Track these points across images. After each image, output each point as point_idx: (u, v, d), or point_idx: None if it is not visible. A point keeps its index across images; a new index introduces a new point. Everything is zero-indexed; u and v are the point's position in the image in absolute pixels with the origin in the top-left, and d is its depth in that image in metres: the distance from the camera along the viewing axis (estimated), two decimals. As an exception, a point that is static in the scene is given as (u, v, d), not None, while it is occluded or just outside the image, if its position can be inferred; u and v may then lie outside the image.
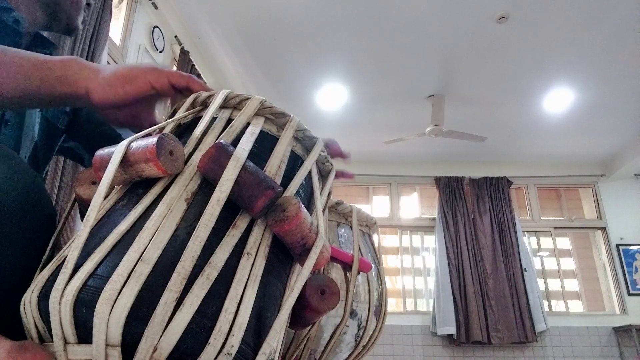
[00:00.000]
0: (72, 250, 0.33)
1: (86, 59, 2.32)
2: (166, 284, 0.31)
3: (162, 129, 0.44)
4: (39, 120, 0.79)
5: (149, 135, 0.39)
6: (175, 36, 3.53)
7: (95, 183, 0.44)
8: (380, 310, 0.76)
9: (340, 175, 0.82)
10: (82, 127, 0.88)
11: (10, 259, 0.39)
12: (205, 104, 0.47)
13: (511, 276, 4.89)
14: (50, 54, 0.85)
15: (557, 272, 5.23)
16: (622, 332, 4.73)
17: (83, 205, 0.45)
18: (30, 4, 0.79)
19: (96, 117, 0.89)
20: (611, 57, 3.69)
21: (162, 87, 0.52)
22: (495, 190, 5.35)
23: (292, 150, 0.45)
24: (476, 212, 5.25)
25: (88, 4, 0.88)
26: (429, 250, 5.40)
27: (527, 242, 5.28)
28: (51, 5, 0.81)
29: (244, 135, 0.42)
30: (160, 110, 0.60)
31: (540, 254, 5.35)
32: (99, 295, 0.30)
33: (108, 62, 2.82)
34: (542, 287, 5.06)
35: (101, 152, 0.39)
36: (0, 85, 0.47)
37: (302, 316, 0.43)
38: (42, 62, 0.50)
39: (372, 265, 0.73)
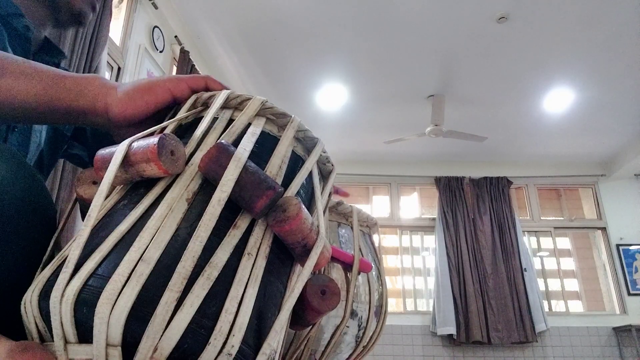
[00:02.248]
0: (73, 250, 0.33)
1: (86, 59, 2.33)
2: (167, 283, 0.31)
3: (163, 129, 0.44)
4: (45, 126, 0.79)
5: (150, 135, 0.39)
6: (175, 36, 3.54)
7: (96, 183, 0.44)
8: (380, 311, 0.76)
9: (335, 191, 0.82)
10: (88, 131, 0.87)
11: (11, 259, 0.39)
12: (206, 105, 0.47)
13: (511, 276, 4.89)
14: (59, 62, 0.84)
15: (557, 272, 5.23)
16: (622, 332, 4.73)
17: (84, 205, 0.45)
18: (32, 3, 0.76)
19: None
20: (611, 57, 3.69)
21: (182, 93, 0.50)
22: (495, 190, 5.36)
23: (293, 151, 0.45)
24: (476, 212, 5.25)
25: (93, 6, 0.84)
26: (429, 250, 5.40)
27: (527, 242, 5.28)
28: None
29: (245, 136, 0.42)
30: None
31: (540, 254, 5.35)
32: (100, 295, 0.30)
33: (108, 62, 2.82)
34: (542, 287, 5.06)
35: (102, 151, 0.39)
36: (19, 96, 0.46)
37: (302, 316, 0.43)
38: (63, 75, 0.49)
39: (373, 265, 0.73)
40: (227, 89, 0.52)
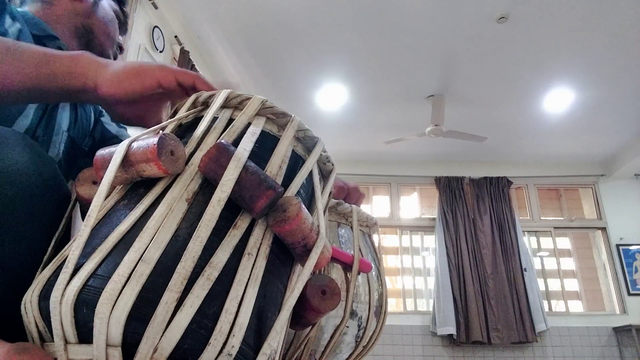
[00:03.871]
0: (73, 250, 0.33)
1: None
2: (167, 284, 0.31)
3: (163, 128, 0.44)
4: (64, 140, 0.81)
5: (150, 135, 0.39)
6: (175, 36, 3.53)
7: (96, 183, 0.44)
8: (380, 311, 0.76)
9: (355, 193, 0.83)
10: (97, 144, 0.89)
11: (35, 238, 0.41)
12: (206, 104, 0.47)
13: (511, 276, 4.89)
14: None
15: (557, 272, 5.23)
16: (622, 332, 4.73)
17: (84, 205, 0.45)
18: (68, 33, 0.82)
19: (108, 133, 0.91)
20: (611, 57, 3.69)
21: (169, 84, 0.52)
22: (495, 190, 5.36)
23: (293, 151, 0.45)
24: (476, 212, 5.25)
25: (119, 46, 0.91)
26: (429, 250, 5.40)
27: (527, 242, 5.28)
28: (85, 35, 0.84)
29: (245, 135, 0.42)
30: (167, 112, 0.60)
31: (540, 254, 5.35)
32: (100, 295, 0.30)
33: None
34: (542, 287, 5.06)
35: (102, 152, 0.39)
36: (11, 76, 0.47)
37: (302, 316, 0.43)
38: (53, 55, 0.50)
39: (373, 265, 0.73)
40: (213, 89, 0.52)
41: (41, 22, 0.76)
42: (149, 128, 0.43)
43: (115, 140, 0.89)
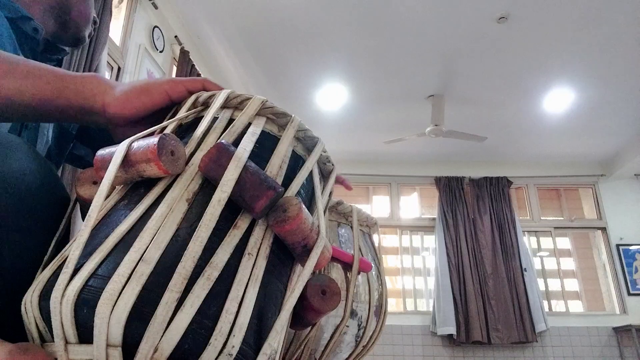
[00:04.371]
0: (73, 250, 0.33)
1: (86, 59, 2.33)
2: (167, 284, 0.31)
3: (163, 128, 0.44)
4: (52, 125, 0.81)
5: (150, 135, 0.39)
6: (175, 36, 3.54)
7: (96, 183, 0.44)
8: (380, 311, 0.76)
9: (340, 181, 0.82)
10: (92, 131, 0.89)
11: (35, 240, 0.41)
12: (206, 104, 0.47)
13: (511, 276, 4.89)
14: (62, 59, 0.88)
15: (557, 272, 5.23)
16: (622, 332, 4.73)
17: (84, 205, 0.45)
18: (42, 13, 0.81)
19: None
20: (611, 57, 3.69)
21: (179, 95, 0.51)
22: (495, 190, 5.36)
23: (293, 151, 0.45)
24: (476, 212, 5.25)
25: (94, 21, 0.91)
26: (429, 250, 5.40)
27: (527, 242, 5.28)
28: (62, 15, 0.83)
29: (245, 136, 0.42)
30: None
31: (540, 254, 5.35)
32: (100, 295, 0.30)
33: (108, 63, 2.82)
34: (542, 287, 5.06)
35: (102, 151, 0.39)
36: (20, 94, 0.47)
37: (303, 316, 0.43)
38: (62, 74, 0.50)
39: (373, 265, 0.73)
40: (222, 89, 0.52)
41: (12, 2, 0.75)
42: None
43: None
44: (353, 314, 0.71)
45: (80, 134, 0.88)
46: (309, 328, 0.62)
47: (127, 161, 0.37)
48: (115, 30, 2.99)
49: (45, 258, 0.41)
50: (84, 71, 2.32)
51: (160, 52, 3.36)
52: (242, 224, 0.36)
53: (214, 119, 0.44)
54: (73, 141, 0.88)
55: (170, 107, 0.52)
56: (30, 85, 0.47)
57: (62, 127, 0.84)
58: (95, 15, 0.91)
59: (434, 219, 5.38)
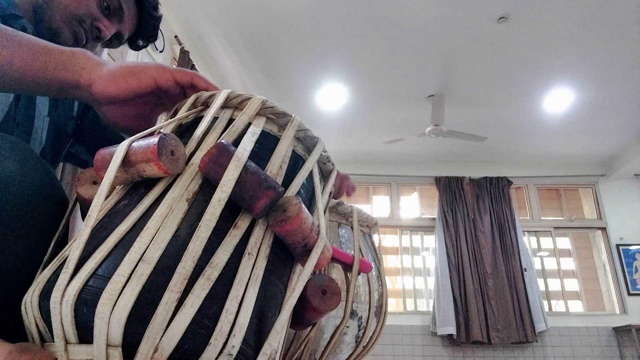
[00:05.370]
0: (73, 250, 0.33)
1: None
2: (167, 284, 0.31)
3: (163, 128, 0.44)
4: (47, 125, 0.79)
5: (150, 135, 0.39)
6: (175, 36, 3.53)
7: (96, 183, 0.44)
8: (380, 311, 0.76)
9: (346, 189, 0.79)
10: (87, 130, 0.88)
11: (35, 240, 0.41)
12: (206, 104, 0.47)
13: (511, 276, 4.89)
14: None
15: (557, 272, 5.23)
16: (622, 332, 4.73)
17: (84, 205, 0.45)
18: (29, 10, 0.79)
19: (101, 120, 0.88)
20: (611, 57, 3.69)
21: (166, 83, 0.51)
22: (495, 190, 5.36)
23: (293, 150, 0.45)
24: (476, 212, 5.25)
25: (98, 29, 0.82)
26: (429, 250, 5.40)
27: (527, 242, 5.28)
28: (42, 11, 0.79)
29: (245, 135, 0.42)
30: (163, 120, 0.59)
31: (540, 254, 5.35)
32: (100, 295, 0.30)
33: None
34: (542, 287, 5.06)
35: (102, 151, 0.39)
36: (8, 64, 0.47)
37: (303, 316, 0.43)
38: (50, 48, 0.49)
39: (373, 265, 0.73)
40: (215, 88, 0.52)
41: (3, 0, 0.73)
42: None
43: (109, 129, 0.87)
44: (353, 314, 0.71)
45: (76, 133, 0.88)
46: (309, 328, 0.62)
47: (127, 161, 0.37)
48: (115, 30, 2.98)
49: (45, 258, 0.41)
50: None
51: (160, 52, 3.36)
52: (242, 223, 0.36)
53: (214, 119, 0.44)
54: (70, 141, 0.87)
55: (155, 93, 0.52)
56: (21, 55, 0.47)
57: (58, 128, 0.82)
58: (99, 21, 0.82)
59: (434, 219, 5.38)
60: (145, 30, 0.91)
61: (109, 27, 0.83)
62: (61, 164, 2.11)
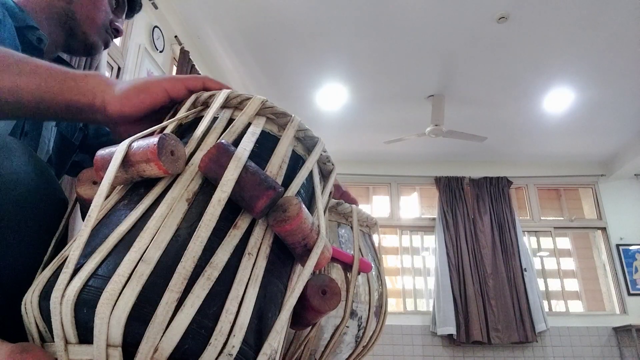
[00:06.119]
0: (73, 250, 0.33)
1: (86, 60, 2.32)
2: (167, 284, 0.31)
3: (163, 128, 0.44)
4: (54, 135, 0.80)
5: (150, 135, 0.39)
6: (175, 36, 3.53)
7: (96, 183, 0.44)
8: (380, 311, 0.76)
9: (349, 199, 0.80)
10: (90, 139, 0.88)
11: (26, 246, 0.41)
12: (206, 104, 0.47)
13: (511, 276, 4.89)
14: None
15: (557, 272, 5.23)
16: (622, 332, 4.73)
17: (84, 205, 0.45)
18: (49, 23, 0.81)
19: (103, 128, 0.89)
20: (611, 57, 3.69)
21: (179, 93, 0.51)
22: (495, 190, 5.36)
23: (293, 150, 0.45)
24: (476, 212, 5.25)
25: (116, 29, 0.89)
26: (429, 250, 5.40)
27: (527, 242, 5.28)
28: (68, 22, 0.82)
29: (245, 135, 0.42)
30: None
31: (540, 254, 5.35)
32: (100, 295, 0.30)
33: (108, 63, 2.82)
34: (542, 287, 5.06)
35: (102, 152, 0.39)
36: (20, 91, 0.47)
37: (303, 316, 0.43)
38: (62, 72, 0.50)
39: (373, 265, 0.73)
40: (228, 88, 0.52)
41: (21, 11, 0.74)
42: None
43: (111, 136, 0.88)
44: (353, 314, 0.71)
45: (81, 144, 0.88)
46: (309, 328, 0.62)
47: (127, 161, 0.37)
48: (115, 30, 2.98)
49: (45, 258, 0.41)
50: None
51: (160, 52, 3.36)
52: (242, 223, 0.36)
53: (214, 119, 0.44)
54: (76, 151, 0.87)
55: (170, 106, 0.52)
56: (26, 83, 0.47)
57: (65, 138, 0.83)
58: (116, 21, 0.88)
59: (434, 219, 5.38)
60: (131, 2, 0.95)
61: (121, 22, 0.89)
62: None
